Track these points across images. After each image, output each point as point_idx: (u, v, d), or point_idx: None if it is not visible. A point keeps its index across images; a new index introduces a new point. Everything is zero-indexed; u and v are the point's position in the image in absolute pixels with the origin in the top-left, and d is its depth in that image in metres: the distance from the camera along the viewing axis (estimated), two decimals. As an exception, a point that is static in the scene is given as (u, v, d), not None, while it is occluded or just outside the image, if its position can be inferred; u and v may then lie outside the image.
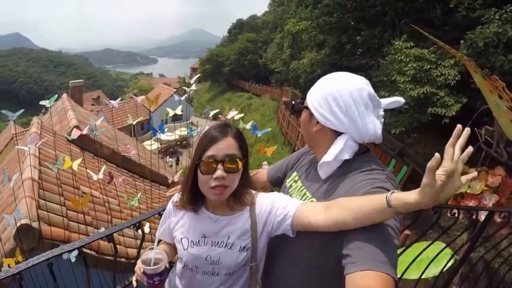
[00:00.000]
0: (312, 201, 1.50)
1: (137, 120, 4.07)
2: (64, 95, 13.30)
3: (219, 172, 1.45)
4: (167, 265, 1.61)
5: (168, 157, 24.80)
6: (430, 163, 1.00)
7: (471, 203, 3.40)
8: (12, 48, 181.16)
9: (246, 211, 1.61)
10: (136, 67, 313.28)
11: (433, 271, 2.91)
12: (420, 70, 10.43)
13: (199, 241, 1.63)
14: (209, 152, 1.47)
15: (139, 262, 1.58)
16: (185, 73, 79.11)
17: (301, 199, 1.57)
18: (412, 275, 2.87)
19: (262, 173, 2.10)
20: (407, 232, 5.82)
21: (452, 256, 2.93)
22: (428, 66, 10.46)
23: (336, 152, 1.47)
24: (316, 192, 1.51)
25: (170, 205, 1.77)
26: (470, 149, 1.02)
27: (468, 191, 3.47)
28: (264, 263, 1.71)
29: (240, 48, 46.44)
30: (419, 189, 1.05)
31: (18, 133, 11.61)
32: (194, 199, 1.63)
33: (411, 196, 1.07)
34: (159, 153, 27.93)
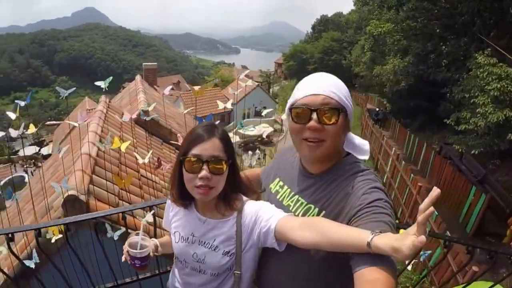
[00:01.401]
0: (309, 207, 1.50)
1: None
2: (138, 77, 13.25)
3: (204, 173, 1.49)
4: (151, 253, 1.76)
5: (256, 150, 24.43)
6: (412, 242, 1.03)
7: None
8: (87, 23, 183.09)
9: (233, 217, 1.62)
10: (217, 55, 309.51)
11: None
12: (504, 91, 9.79)
13: (188, 238, 1.69)
14: (195, 151, 1.51)
15: (126, 244, 1.73)
16: (268, 68, 78.02)
17: (295, 207, 1.57)
18: None
19: (255, 172, 2.10)
20: (475, 268, 6.24)
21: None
22: None
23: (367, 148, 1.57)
24: (312, 198, 1.51)
25: (168, 199, 1.83)
26: (432, 209, 1.04)
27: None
28: (261, 274, 1.75)
29: (324, 46, 45.46)
30: (397, 243, 1.07)
31: (92, 108, 11.50)
32: (182, 196, 1.66)
33: (387, 250, 1.09)
34: (238, 148, 25.94)
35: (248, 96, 37.60)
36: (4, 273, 2.52)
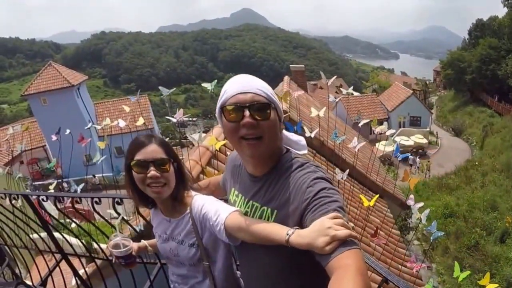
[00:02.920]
0: (263, 210, 1.54)
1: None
2: (286, 78, 13.11)
3: (152, 172, 1.65)
4: (134, 252, 1.99)
5: (417, 157, 21.68)
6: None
7: None
8: (246, 23, 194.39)
9: (187, 213, 1.81)
10: (377, 60, 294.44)
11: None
12: None
13: (163, 236, 1.93)
14: (138, 156, 1.66)
15: (110, 246, 1.91)
16: (424, 76, 73.04)
17: (251, 212, 1.61)
18: None
19: (217, 179, 2.20)
20: None
21: None
22: None
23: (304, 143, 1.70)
24: (264, 201, 1.56)
25: None
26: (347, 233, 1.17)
27: None
28: (238, 267, 1.96)
29: (482, 54, 42.49)
30: (309, 239, 1.23)
31: None
32: (142, 199, 1.84)
33: (304, 247, 1.24)
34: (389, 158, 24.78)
35: (403, 104, 38.67)
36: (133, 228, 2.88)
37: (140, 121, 3.84)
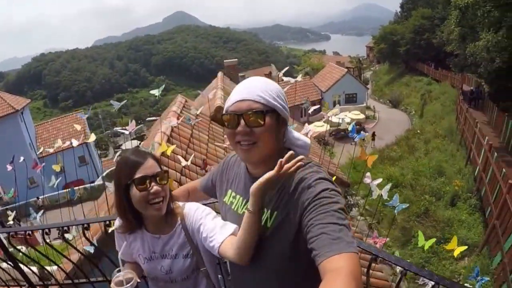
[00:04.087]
0: (262, 211, 1.52)
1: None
2: (220, 74, 13.67)
3: (155, 188, 1.66)
4: (138, 279, 1.78)
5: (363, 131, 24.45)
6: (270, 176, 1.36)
7: None
8: (178, 25, 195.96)
9: (179, 224, 1.81)
10: (308, 44, 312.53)
11: None
12: None
13: (151, 256, 1.84)
14: (139, 174, 1.65)
15: (112, 285, 1.70)
16: (357, 54, 76.87)
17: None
18: None
19: (195, 184, 2.19)
20: None
21: None
22: None
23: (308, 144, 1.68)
24: (264, 203, 1.52)
25: (116, 233, 1.94)
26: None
27: None
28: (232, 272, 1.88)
29: (415, 25, 43.70)
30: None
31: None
32: (134, 222, 1.79)
33: (254, 186, 1.41)
34: (330, 136, 27.61)
35: (338, 83, 39.79)
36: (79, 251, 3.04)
37: (92, 137, 3.96)
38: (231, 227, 1.67)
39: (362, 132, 4.02)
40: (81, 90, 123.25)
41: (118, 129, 3.79)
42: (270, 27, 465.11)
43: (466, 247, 3.09)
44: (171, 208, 1.81)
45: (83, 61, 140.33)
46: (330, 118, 4.07)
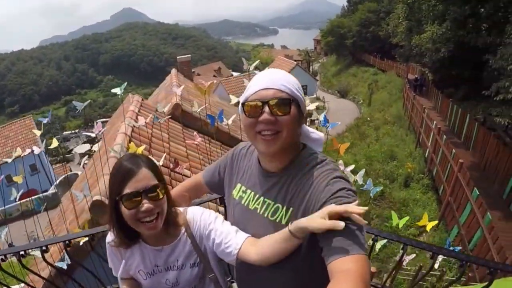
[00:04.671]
0: (277, 207, 1.50)
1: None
2: (173, 70, 13.48)
3: (146, 205, 1.46)
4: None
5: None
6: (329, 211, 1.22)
7: None
8: (126, 22, 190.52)
9: (183, 233, 1.67)
10: (256, 38, 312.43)
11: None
12: None
13: (153, 270, 1.69)
14: (128, 189, 1.45)
15: None
16: (306, 47, 77.70)
17: (262, 209, 1.57)
18: None
19: (197, 178, 2.07)
20: None
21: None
22: None
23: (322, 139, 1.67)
24: (278, 198, 1.52)
25: (108, 247, 1.76)
26: (341, 224, 1.18)
27: None
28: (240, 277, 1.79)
29: (361, 19, 44.73)
30: (307, 217, 1.30)
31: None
32: (128, 236, 1.62)
33: (301, 222, 1.30)
34: None
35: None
36: (40, 276, 2.77)
37: (54, 142, 3.53)
38: (246, 234, 1.60)
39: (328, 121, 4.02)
40: (27, 94, 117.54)
41: (85, 132, 3.70)
42: (218, 23, 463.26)
43: (436, 221, 3.38)
44: (173, 218, 1.64)
45: (29, 62, 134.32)
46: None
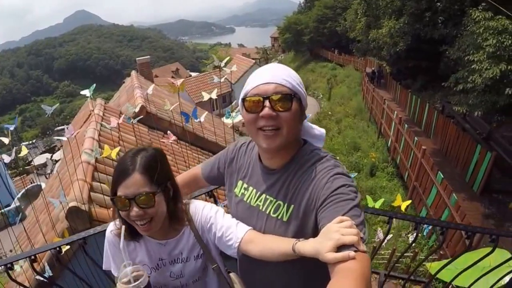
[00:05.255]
0: (278, 204, 1.50)
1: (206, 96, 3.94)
2: (133, 72, 13.32)
3: (135, 211, 1.44)
4: (149, 277, 1.56)
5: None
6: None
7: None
8: (80, 25, 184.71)
9: (187, 226, 1.67)
10: (213, 37, 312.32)
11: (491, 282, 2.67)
12: (500, 46, 9.31)
13: (158, 264, 1.68)
14: (120, 191, 1.44)
15: (118, 285, 1.49)
16: (264, 44, 77.89)
17: (264, 206, 1.56)
18: (467, 283, 2.72)
19: (195, 172, 2.04)
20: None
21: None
22: (510, 41, 9.28)
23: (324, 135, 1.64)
24: (279, 195, 1.51)
25: (109, 236, 1.72)
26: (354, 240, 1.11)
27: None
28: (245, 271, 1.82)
29: (318, 15, 44.79)
30: (314, 243, 1.20)
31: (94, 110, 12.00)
32: (132, 231, 1.60)
33: (308, 251, 1.21)
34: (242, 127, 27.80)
35: (246, 74, 37.86)
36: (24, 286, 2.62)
37: (24, 150, 3.37)
38: (247, 227, 1.60)
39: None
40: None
41: (56, 137, 3.57)
42: (174, 23, 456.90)
43: (410, 201, 3.49)
44: (178, 214, 1.65)
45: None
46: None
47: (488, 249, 2.37)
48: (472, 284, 2.67)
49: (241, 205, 1.67)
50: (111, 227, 1.70)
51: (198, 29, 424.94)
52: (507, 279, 2.61)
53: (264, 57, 61.79)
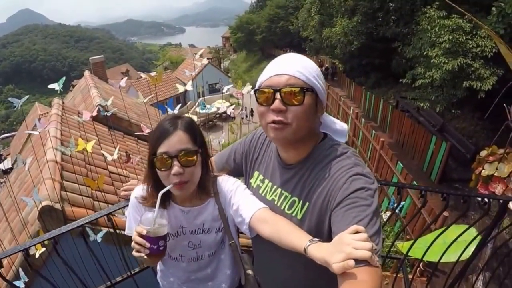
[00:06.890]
0: (294, 200, 1.46)
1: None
2: (87, 72, 13.12)
3: (176, 168, 1.46)
4: (168, 230, 1.57)
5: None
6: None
7: (499, 187, 3.30)
8: (25, 25, 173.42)
9: (212, 198, 1.67)
10: (163, 38, 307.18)
11: (464, 255, 2.84)
12: (455, 42, 9.79)
13: (178, 232, 1.68)
14: (162, 149, 1.47)
15: (137, 226, 1.48)
16: (216, 44, 77.53)
17: (279, 201, 1.53)
18: (446, 258, 2.86)
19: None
20: (445, 214, 6.17)
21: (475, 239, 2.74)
22: (464, 38, 9.86)
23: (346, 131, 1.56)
24: (295, 191, 1.47)
25: (134, 201, 1.73)
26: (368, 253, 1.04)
27: (495, 174, 3.31)
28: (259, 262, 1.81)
29: (270, 15, 45.26)
30: (326, 253, 1.11)
31: (44, 113, 11.69)
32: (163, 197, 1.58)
33: (319, 261, 1.12)
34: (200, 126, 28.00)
35: (200, 74, 37.79)
36: None
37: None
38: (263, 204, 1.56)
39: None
40: None
41: (28, 131, 3.31)
42: (122, 23, 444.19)
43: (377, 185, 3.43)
44: (206, 183, 1.66)
45: None
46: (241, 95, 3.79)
47: (451, 228, 2.65)
48: (441, 258, 2.87)
49: (255, 197, 1.63)
50: (136, 193, 1.72)
51: (147, 29, 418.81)
52: (472, 249, 2.75)
53: (216, 57, 61.18)
